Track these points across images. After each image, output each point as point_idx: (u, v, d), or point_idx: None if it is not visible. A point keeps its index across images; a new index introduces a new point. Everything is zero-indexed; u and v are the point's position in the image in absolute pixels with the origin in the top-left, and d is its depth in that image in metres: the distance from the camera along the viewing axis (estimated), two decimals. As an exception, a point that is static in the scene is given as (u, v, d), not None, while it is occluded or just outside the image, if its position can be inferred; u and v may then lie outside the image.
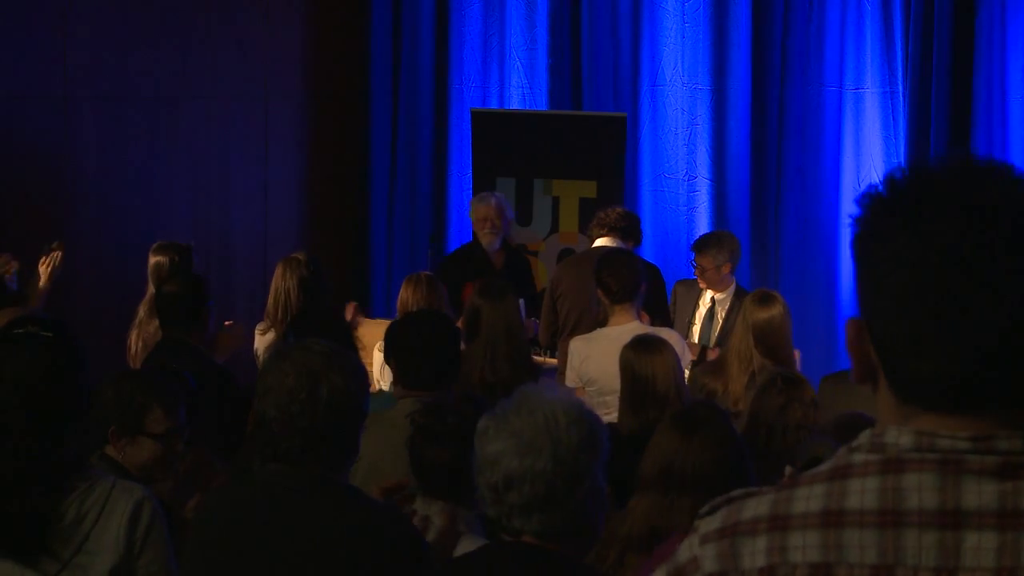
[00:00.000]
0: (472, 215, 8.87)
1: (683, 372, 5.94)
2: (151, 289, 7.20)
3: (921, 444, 1.60)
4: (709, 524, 1.69)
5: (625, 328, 6.71)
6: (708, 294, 8.23)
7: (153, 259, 7.32)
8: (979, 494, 1.57)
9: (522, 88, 10.81)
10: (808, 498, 1.63)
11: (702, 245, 8.23)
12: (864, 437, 1.65)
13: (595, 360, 6.70)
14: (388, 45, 10.98)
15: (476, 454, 2.96)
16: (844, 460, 1.65)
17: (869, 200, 1.64)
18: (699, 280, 8.19)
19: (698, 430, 3.96)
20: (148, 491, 3.58)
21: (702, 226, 10.41)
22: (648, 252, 9.93)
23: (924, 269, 1.56)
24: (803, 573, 1.60)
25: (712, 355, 7.59)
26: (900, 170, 1.63)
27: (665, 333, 6.93)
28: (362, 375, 3.51)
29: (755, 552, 1.63)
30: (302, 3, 10.76)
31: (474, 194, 10.26)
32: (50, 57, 9.34)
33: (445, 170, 10.98)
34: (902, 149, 10.20)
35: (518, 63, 10.81)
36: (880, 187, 1.64)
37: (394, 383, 5.16)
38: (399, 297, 7.26)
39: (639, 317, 6.94)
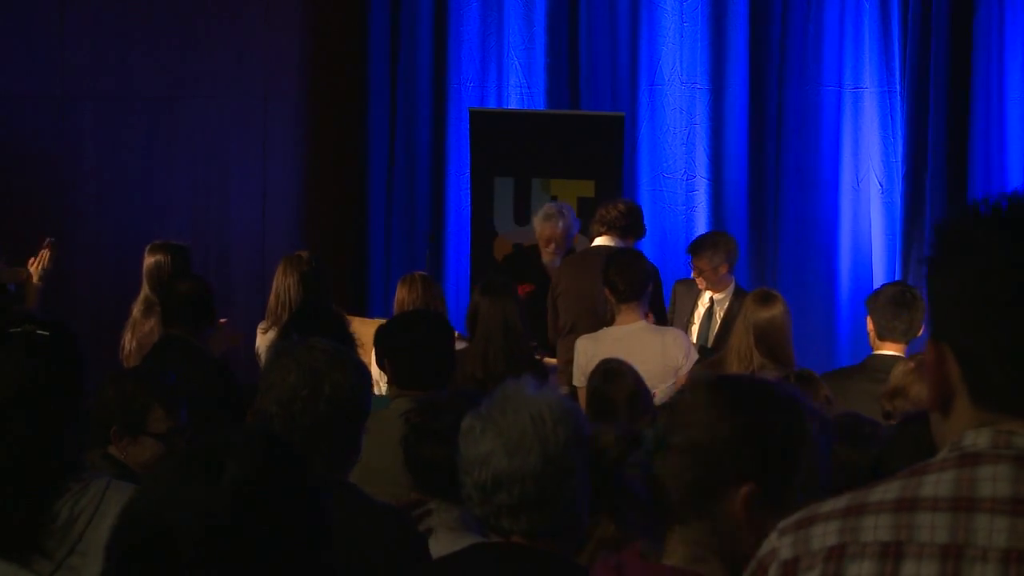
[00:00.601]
0: (537, 230, 8.68)
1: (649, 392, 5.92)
2: (145, 289, 7.21)
3: (998, 442, 1.67)
4: (787, 520, 1.76)
5: (631, 328, 6.73)
6: (707, 294, 8.23)
7: (151, 259, 7.32)
8: None
9: (520, 88, 10.81)
10: (885, 491, 1.70)
11: (698, 247, 8.24)
12: (948, 446, 1.72)
13: (600, 359, 6.72)
14: (386, 45, 10.97)
15: (461, 454, 2.93)
16: (924, 462, 1.71)
17: (952, 222, 1.73)
18: (697, 280, 8.20)
19: None
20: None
21: (700, 226, 10.40)
22: (646, 252, 9.82)
23: (1017, 283, 1.64)
24: (873, 551, 1.66)
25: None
26: (981, 197, 1.72)
27: (671, 333, 6.96)
28: (365, 374, 3.51)
29: (826, 533, 1.70)
30: (301, 3, 10.76)
31: (472, 194, 10.27)
32: (48, 57, 9.34)
33: (443, 170, 10.97)
34: (900, 149, 10.21)
35: (516, 63, 10.81)
36: (966, 209, 1.72)
37: (388, 383, 5.15)
38: (396, 297, 7.27)
39: (646, 317, 6.96)
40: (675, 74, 10.55)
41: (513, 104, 10.80)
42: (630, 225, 8.13)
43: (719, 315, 8.14)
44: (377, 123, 11.01)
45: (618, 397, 5.58)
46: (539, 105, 10.75)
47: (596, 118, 10.25)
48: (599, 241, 8.07)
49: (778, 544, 1.75)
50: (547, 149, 10.03)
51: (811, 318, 9.86)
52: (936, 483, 1.66)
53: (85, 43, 9.47)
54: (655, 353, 6.69)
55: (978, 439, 1.68)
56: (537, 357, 7.20)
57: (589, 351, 6.77)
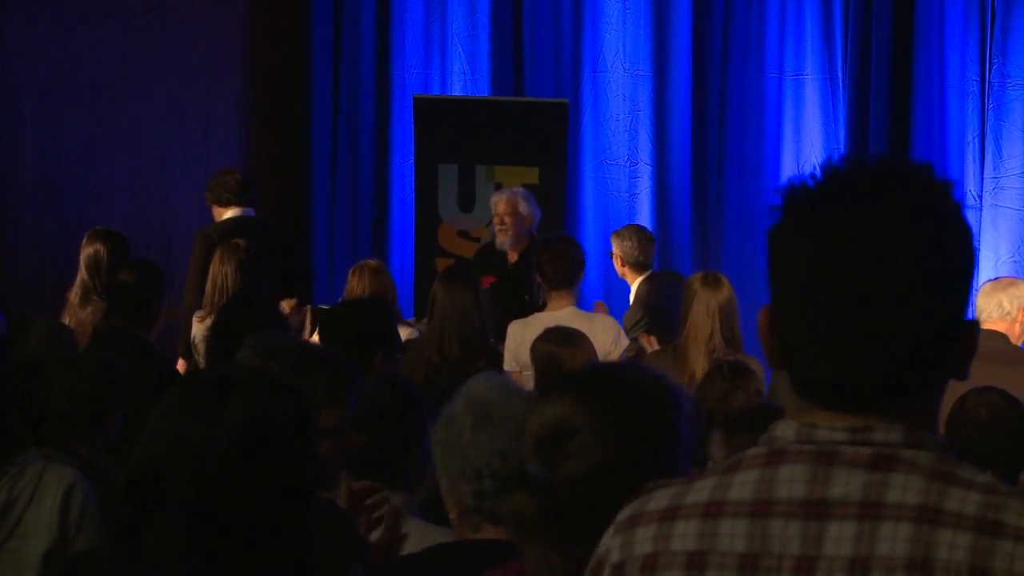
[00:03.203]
0: (492, 209, 8.61)
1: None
2: (83, 274, 7.17)
3: (801, 436, 1.65)
4: (623, 514, 1.75)
5: (561, 313, 6.79)
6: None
7: (91, 247, 7.28)
8: (846, 484, 1.60)
9: (464, 74, 10.80)
10: (701, 490, 1.68)
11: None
12: (767, 432, 1.70)
13: (530, 344, 6.75)
14: (329, 30, 10.93)
15: (461, 458, 2.89)
16: (741, 454, 1.70)
17: (782, 197, 1.69)
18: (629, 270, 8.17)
19: None
20: (79, 474, 3.55)
21: (644, 212, 10.44)
22: (590, 238, 9.97)
23: (817, 275, 1.61)
24: (680, 560, 1.65)
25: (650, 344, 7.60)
26: (820, 169, 1.68)
27: (600, 319, 6.99)
28: None
29: (645, 539, 1.69)
30: (243, -11, 10.71)
31: (416, 180, 10.26)
32: (-13, 42, 9.26)
33: (387, 157, 10.94)
34: (842, 136, 10.27)
35: (460, 49, 10.79)
36: (795, 184, 1.68)
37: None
38: (347, 286, 7.27)
39: (579, 303, 7.01)
40: (618, 61, 10.56)
41: (457, 91, 10.79)
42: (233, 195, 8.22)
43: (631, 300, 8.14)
44: (320, 109, 10.98)
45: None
46: (483, 92, 10.75)
47: (540, 105, 10.26)
48: (229, 214, 8.17)
49: (611, 544, 1.73)
50: (491, 136, 10.04)
51: (752, 305, 9.86)
52: (742, 484, 1.65)
53: (24, 28, 9.38)
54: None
55: (786, 431, 1.66)
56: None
57: (518, 336, 6.80)
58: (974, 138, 10.02)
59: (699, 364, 6.22)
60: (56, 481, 3.48)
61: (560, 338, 5.85)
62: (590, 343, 5.89)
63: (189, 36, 10.30)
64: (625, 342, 6.95)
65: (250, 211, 8.27)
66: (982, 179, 9.98)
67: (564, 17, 10.66)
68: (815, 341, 1.62)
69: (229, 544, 2.17)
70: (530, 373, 6.71)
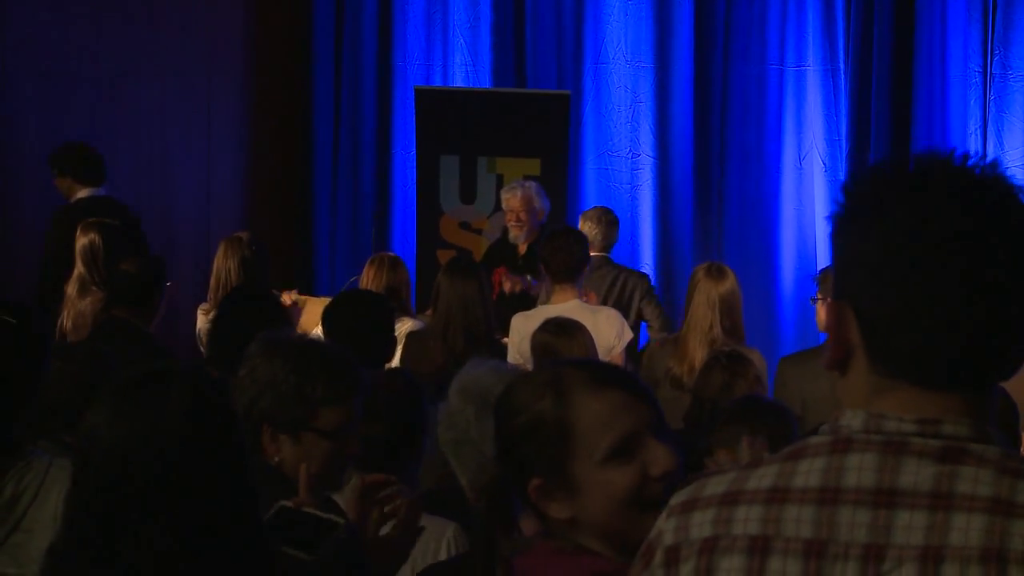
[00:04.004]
0: (503, 205, 8.65)
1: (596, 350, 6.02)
2: (79, 267, 7.17)
3: (869, 426, 1.65)
4: (677, 498, 1.76)
5: (565, 306, 6.78)
6: None
7: (85, 238, 7.27)
8: (916, 475, 1.61)
9: (466, 66, 10.81)
10: (762, 476, 1.69)
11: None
12: (830, 421, 1.71)
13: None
14: (331, 22, 10.94)
15: (475, 451, 2.90)
16: (802, 442, 1.70)
17: (858, 182, 1.70)
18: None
19: None
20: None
21: (646, 203, 10.45)
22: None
23: (924, 246, 1.62)
24: (742, 544, 1.65)
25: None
26: (887, 157, 1.72)
27: (605, 313, 6.99)
28: None
29: (703, 523, 1.70)
30: (244, -21, 10.71)
31: (418, 172, 10.27)
32: (-12, 34, 9.26)
33: (389, 148, 10.96)
34: (844, 127, 10.27)
35: (462, 40, 10.80)
36: (872, 170, 1.70)
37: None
38: (362, 277, 7.28)
39: (581, 296, 7.01)
40: (620, 52, 10.56)
41: (459, 82, 10.79)
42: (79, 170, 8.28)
43: None
44: (322, 101, 10.99)
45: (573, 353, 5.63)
46: (484, 83, 10.75)
47: (541, 96, 10.26)
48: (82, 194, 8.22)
49: (664, 527, 1.74)
50: (493, 127, 10.04)
51: (754, 296, 9.90)
52: (808, 472, 1.65)
53: (26, 19, 9.38)
54: (588, 332, 6.76)
55: (853, 421, 1.67)
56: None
57: (522, 330, 6.78)
58: (976, 129, 10.03)
59: (698, 355, 6.24)
60: (62, 476, 3.49)
61: (558, 329, 5.86)
62: (588, 335, 5.90)
63: (191, 28, 10.30)
64: (629, 335, 6.96)
65: (102, 190, 8.30)
66: (983, 171, 9.97)
67: (566, 8, 10.66)
68: (932, 315, 1.62)
69: (194, 539, 2.21)
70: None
